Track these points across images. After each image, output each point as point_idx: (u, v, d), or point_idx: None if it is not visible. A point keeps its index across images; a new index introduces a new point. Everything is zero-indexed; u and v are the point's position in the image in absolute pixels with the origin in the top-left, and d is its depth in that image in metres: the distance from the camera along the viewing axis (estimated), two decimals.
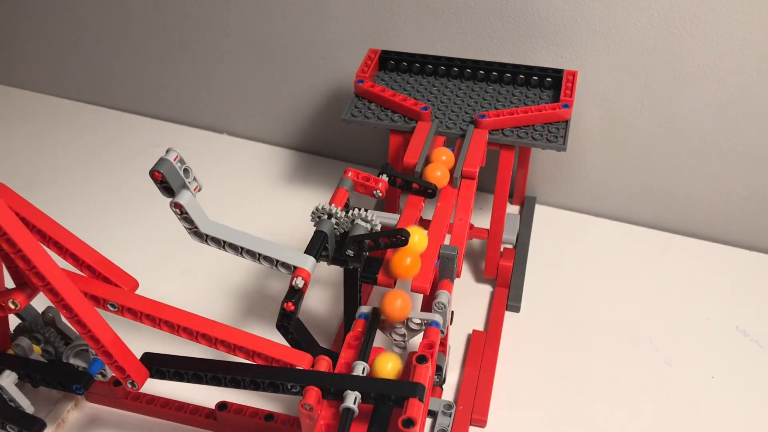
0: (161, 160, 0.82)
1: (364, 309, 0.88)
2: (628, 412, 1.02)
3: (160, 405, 1.00)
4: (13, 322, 0.96)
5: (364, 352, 0.82)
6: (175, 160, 0.83)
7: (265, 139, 1.54)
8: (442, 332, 0.87)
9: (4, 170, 1.45)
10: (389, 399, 0.76)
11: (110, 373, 0.93)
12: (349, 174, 1.00)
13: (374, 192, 0.99)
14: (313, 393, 0.77)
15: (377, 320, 0.86)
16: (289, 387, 0.81)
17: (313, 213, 0.93)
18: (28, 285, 0.86)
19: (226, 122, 1.56)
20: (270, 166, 1.48)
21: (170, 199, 0.85)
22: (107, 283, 0.89)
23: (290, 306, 0.85)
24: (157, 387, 1.03)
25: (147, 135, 1.56)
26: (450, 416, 0.98)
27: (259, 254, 0.88)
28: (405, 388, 0.76)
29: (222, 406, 0.97)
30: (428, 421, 1.00)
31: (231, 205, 1.37)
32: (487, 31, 1.25)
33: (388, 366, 0.81)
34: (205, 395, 1.02)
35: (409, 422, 0.72)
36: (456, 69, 1.21)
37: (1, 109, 1.64)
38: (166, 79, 1.55)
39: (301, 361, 0.83)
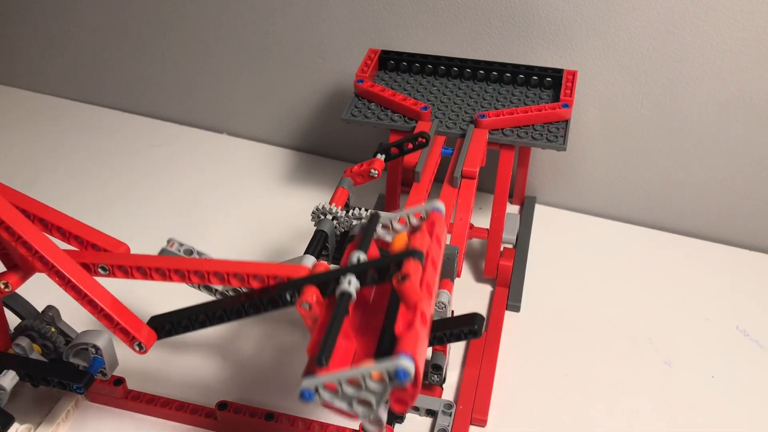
0: (160, 252, 0.90)
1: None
2: (628, 412, 1.02)
3: (160, 405, 0.99)
4: (13, 321, 0.96)
5: (364, 245, 0.78)
6: (171, 246, 0.91)
7: (265, 139, 1.54)
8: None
9: (4, 170, 1.45)
10: (387, 270, 0.71)
11: (111, 372, 0.93)
12: (348, 173, 1.00)
13: (370, 172, 0.99)
14: (309, 290, 0.74)
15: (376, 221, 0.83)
16: (288, 297, 0.77)
17: (313, 213, 0.93)
18: (20, 267, 0.87)
19: (226, 122, 1.56)
20: (270, 166, 1.48)
21: None
22: (96, 250, 0.88)
23: None
24: (157, 387, 1.03)
25: (147, 135, 1.55)
26: (450, 416, 0.98)
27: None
28: (400, 255, 0.71)
29: (222, 405, 0.97)
30: (428, 420, 1.00)
31: (231, 206, 1.37)
32: (487, 31, 1.25)
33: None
34: (205, 395, 1.02)
35: (405, 278, 0.68)
36: (456, 69, 1.21)
37: (1, 109, 1.64)
38: (166, 79, 1.55)
39: (298, 271, 0.80)
